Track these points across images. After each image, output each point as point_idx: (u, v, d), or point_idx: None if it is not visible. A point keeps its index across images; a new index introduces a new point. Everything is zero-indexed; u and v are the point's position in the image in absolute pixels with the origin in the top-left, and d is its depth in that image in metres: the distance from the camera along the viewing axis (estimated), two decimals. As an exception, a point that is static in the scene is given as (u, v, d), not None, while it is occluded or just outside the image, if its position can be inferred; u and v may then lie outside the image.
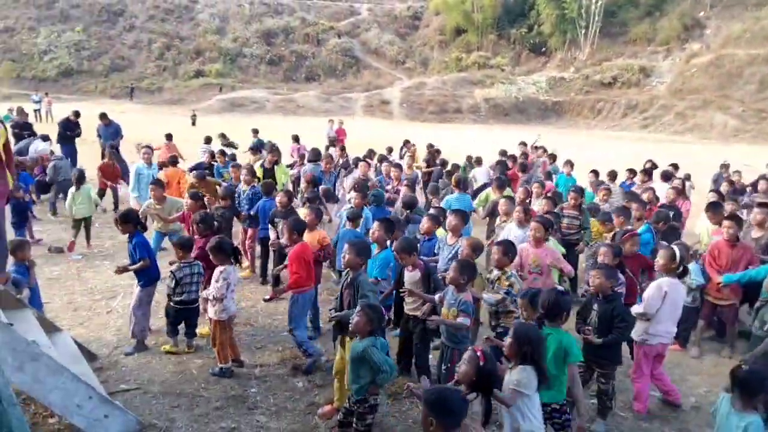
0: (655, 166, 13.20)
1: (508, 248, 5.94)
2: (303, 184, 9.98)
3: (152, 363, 6.31)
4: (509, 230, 7.63)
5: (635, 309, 5.59)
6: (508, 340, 4.19)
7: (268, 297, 7.34)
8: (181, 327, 6.69)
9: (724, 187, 11.34)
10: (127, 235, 6.82)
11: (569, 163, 13.13)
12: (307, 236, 6.78)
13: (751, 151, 31.74)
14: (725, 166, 14.56)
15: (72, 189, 10.25)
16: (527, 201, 9.09)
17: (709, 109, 44.81)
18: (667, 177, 11.88)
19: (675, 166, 13.33)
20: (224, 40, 59.92)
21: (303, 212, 7.44)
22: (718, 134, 41.44)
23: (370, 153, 14.52)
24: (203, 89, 52.31)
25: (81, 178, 10.33)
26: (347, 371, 4.77)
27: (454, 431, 3.09)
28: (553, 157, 15.43)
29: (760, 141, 39.15)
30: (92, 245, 10.49)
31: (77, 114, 16.10)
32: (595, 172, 12.48)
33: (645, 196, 9.79)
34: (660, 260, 5.71)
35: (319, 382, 5.98)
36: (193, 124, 33.38)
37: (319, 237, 7.13)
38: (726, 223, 7.02)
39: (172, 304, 6.53)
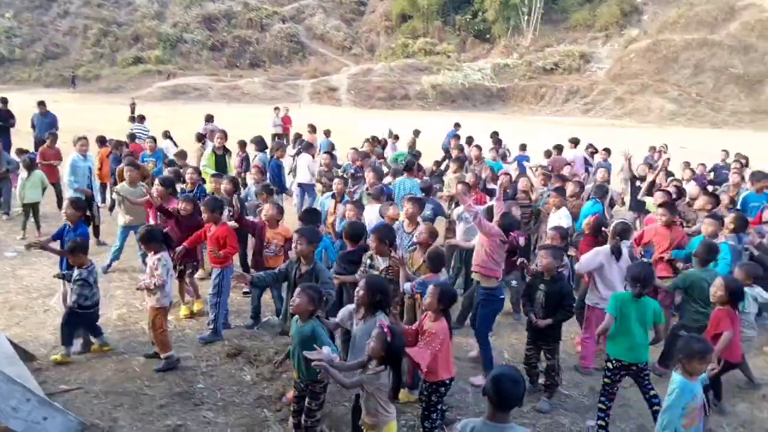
0: (595, 150, 13.66)
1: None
2: (253, 174, 9.74)
3: (93, 362, 6.10)
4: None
5: (577, 267, 6.34)
6: (359, 291, 4.46)
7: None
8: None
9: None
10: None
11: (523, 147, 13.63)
12: (270, 233, 6.72)
13: (687, 133, 33.06)
14: (653, 149, 15.23)
15: (23, 175, 10.42)
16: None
17: (647, 93, 46.39)
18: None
19: (608, 151, 13.87)
20: (163, 26, 58.00)
21: (266, 207, 7.41)
22: (656, 118, 42.98)
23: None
24: (142, 76, 50.59)
25: (32, 164, 10.50)
26: (293, 356, 4.63)
27: None
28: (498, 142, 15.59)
29: (695, 124, 40.88)
30: (41, 233, 10.09)
31: (4, 101, 15.35)
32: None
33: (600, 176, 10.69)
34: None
35: (267, 375, 5.91)
36: (132, 112, 32.23)
37: (282, 231, 7.09)
38: (659, 210, 7.40)
39: (79, 310, 6.04)
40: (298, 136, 15.29)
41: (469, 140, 14.99)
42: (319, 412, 4.66)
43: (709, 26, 48.73)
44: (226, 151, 11.60)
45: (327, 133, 16.28)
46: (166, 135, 14.44)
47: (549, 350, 5.64)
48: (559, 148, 13.28)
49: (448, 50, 58.18)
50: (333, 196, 8.63)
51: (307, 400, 4.61)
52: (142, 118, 15.81)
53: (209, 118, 16.76)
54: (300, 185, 11.65)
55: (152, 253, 6.05)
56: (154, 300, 5.95)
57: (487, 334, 6.14)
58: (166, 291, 5.97)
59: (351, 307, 4.74)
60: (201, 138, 13.38)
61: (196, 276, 7.86)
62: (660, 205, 7.52)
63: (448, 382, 4.71)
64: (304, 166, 11.61)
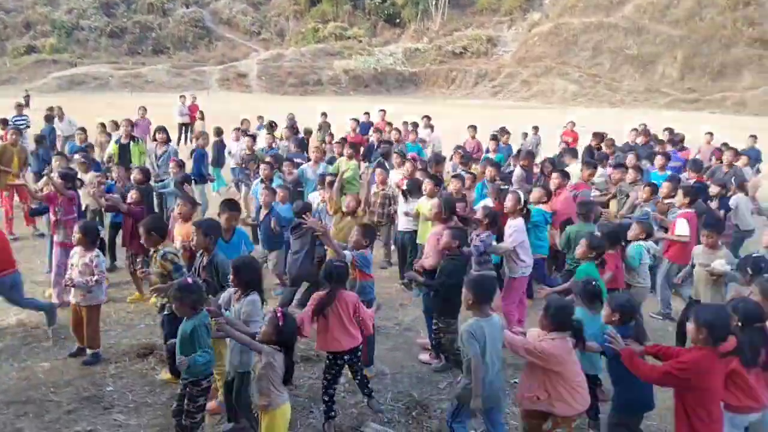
0: (507, 132, 14.28)
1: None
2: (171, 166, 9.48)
3: (-10, 372, 5.75)
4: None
5: (503, 246, 6.74)
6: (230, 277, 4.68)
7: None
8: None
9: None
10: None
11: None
12: (181, 228, 6.51)
13: (588, 113, 34.73)
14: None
15: None
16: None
17: (551, 75, 48.29)
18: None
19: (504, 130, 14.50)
20: (57, 12, 54.33)
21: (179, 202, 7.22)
22: (559, 99, 44.87)
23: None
24: (36, 66, 47.26)
25: None
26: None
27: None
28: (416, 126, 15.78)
29: (595, 103, 42.99)
30: None
31: None
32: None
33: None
34: (508, 203, 6.86)
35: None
36: (27, 105, 30.19)
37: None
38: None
39: None
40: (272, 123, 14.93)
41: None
42: (199, 414, 4.51)
43: (605, 9, 51.18)
44: (133, 139, 11.69)
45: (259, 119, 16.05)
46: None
47: (441, 329, 5.82)
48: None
49: (359, 35, 58.05)
50: (262, 181, 8.83)
51: (185, 401, 4.47)
52: (20, 107, 15.07)
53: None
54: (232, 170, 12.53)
55: (84, 248, 5.93)
56: (88, 298, 5.89)
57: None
58: (103, 288, 6.04)
59: (232, 289, 4.79)
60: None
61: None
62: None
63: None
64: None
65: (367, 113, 17.62)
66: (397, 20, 60.55)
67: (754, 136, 13.96)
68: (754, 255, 5.68)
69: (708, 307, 4.41)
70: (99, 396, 5.40)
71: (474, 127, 14.28)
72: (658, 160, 10.48)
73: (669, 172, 10.09)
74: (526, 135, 16.28)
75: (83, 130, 12.27)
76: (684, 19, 47.34)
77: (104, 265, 6.08)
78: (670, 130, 14.41)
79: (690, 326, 3.84)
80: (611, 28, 49.38)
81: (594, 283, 4.97)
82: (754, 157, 13.08)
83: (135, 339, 6.55)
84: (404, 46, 56.60)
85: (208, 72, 49.90)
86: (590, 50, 49.35)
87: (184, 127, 19.76)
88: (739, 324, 3.99)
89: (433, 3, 58.24)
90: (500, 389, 4.49)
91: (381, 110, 17.30)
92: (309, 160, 10.90)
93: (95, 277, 5.82)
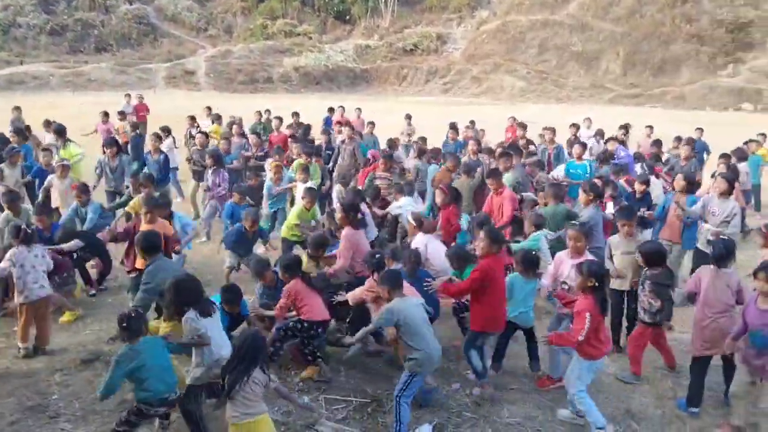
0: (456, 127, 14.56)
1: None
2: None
3: (-75, 385, 5.50)
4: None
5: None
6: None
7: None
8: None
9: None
10: None
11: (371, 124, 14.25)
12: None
13: (536, 109, 35.45)
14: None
15: None
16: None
17: (499, 72, 49.05)
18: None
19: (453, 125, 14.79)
20: (-8, 9, 52.19)
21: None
22: (508, 95, 45.63)
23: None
24: (-31, 65, 45.23)
25: None
26: None
27: None
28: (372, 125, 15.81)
29: (542, 99, 43.91)
30: None
31: None
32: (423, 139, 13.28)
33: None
34: (437, 198, 8.08)
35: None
36: (-40, 105, 28.87)
37: (159, 228, 6.55)
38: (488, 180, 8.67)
39: None
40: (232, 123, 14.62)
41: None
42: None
43: (551, 7, 52.30)
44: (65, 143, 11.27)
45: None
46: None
47: None
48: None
49: (308, 31, 57.60)
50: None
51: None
52: None
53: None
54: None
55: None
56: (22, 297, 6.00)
57: None
58: (25, 287, 5.99)
59: None
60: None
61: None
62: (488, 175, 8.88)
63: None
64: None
65: (331, 109, 17.57)
66: (347, 17, 60.37)
67: (700, 129, 14.32)
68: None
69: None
70: (44, 405, 5.23)
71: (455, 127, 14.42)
72: (576, 149, 10.73)
73: (587, 161, 10.59)
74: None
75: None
76: (625, 16, 48.81)
77: (7, 263, 6.02)
78: (626, 128, 13.89)
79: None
80: (557, 25, 50.50)
81: (534, 252, 6.08)
82: (701, 150, 13.57)
83: (81, 345, 6.36)
84: (355, 42, 56.48)
85: (154, 70, 48.68)
86: (537, 47, 50.36)
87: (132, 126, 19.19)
88: (595, 282, 4.90)
89: (382, 0, 58.32)
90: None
91: (341, 107, 17.32)
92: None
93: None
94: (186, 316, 4.55)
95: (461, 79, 50.01)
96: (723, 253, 5.39)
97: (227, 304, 5.87)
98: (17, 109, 15.86)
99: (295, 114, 15.74)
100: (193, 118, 14.27)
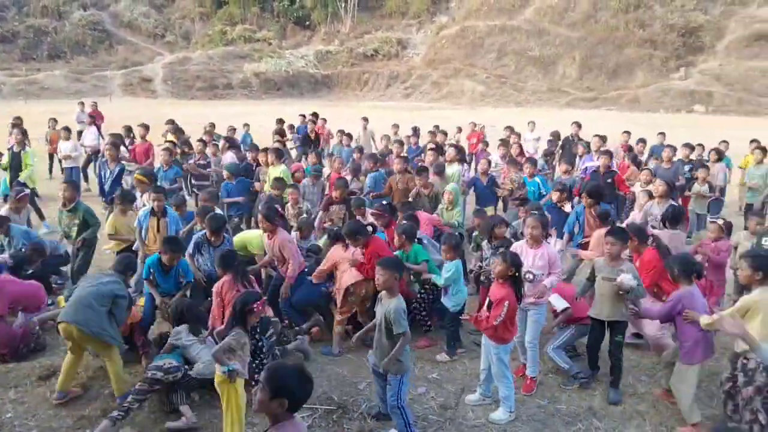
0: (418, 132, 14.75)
1: None
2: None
3: None
4: None
5: None
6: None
7: None
8: None
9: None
10: None
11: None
12: None
13: (495, 113, 35.91)
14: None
15: None
16: None
17: (459, 77, 49.57)
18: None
19: (415, 129, 15.29)
20: (-62, 14, 50.43)
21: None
22: (468, 99, 46.14)
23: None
24: None
25: None
26: None
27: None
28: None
29: (502, 104, 44.52)
30: None
31: None
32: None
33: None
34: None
35: (85, 395, 5.50)
36: None
37: None
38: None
39: None
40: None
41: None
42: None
43: (508, 12, 53.16)
44: (24, 147, 11.42)
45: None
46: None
47: None
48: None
49: (268, 37, 57.28)
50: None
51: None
52: None
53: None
54: None
55: None
56: None
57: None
58: None
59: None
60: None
61: None
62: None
63: None
64: None
65: (302, 115, 17.34)
66: (307, 23, 60.22)
67: (662, 134, 14.47)
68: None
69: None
70: (-3, 425, 5.05)
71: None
72: (527, 168, 10.38)
73: (538, 178, 10.24)
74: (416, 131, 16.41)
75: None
76: (581, 21, 49.95)
77: None
78: (601, 138, 12.86)
79: None
80: (514, 30, 51.33)
81: (458, 234, 7.21)
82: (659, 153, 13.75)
83: (36, 361, 6.15)
84: (315, 48, 56.38)
85: (110, 77, 47.69)
86: (496, 52, 51.08)
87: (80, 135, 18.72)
88: (515, 272, 5.11)
89: (343, 6, 58.35)
90: None
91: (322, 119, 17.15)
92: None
93: None
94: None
95: (422, 84, 50.36)
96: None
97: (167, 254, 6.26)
98: None
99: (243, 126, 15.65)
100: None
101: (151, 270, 6.43)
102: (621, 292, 5.39)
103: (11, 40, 51.24)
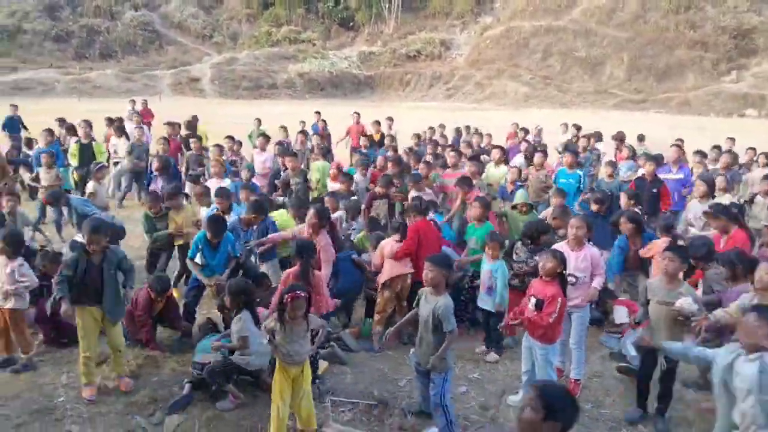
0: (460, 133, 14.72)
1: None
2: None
3: (-69, 388, 5.51)
4: None
5: None
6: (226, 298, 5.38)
7: None
8: None
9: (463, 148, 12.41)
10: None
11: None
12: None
13: (540, 114, 35.43)
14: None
15: None
16: None
17: (503, 77, 49.12)
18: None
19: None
20: (-2, 15, 52.64)
21: None
22: (512, 100, 45.66)
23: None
24: (-24, 71, 45.55)
25: None
26: None
27: None
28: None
29: (547, 105, 43.92)
30: None
31: None
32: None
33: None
34: None
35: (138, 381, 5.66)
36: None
37: None
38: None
39: None
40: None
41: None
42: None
43: (554, 13, 52.41)
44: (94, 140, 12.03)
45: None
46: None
47: None
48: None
49: (313, 38, 57.91)
50: None
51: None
52: None
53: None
54: None
55: (7, 258, 5.74)
56: (12, 302, 5.75)
57: None
58: (26, 294, 5.88)
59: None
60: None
61: None
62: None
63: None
64: None
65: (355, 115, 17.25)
66: (351, 24, 60.62)
67: (732, 139, 13.61)
68: None
69: None
70: (50, 408, 5.22)
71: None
72: (567, 157, 10.16)
73: (579, 171, 9.98)
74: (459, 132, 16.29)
75: (50, 131, 12.25)
76: (629, 22, 48.88)
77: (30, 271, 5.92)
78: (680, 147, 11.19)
79: None
80: (560, 31, 50.58)
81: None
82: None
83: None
84: (359, 49, 56.71)
85: (160, 76, 48.95)
86: (541, 53, 50.44)
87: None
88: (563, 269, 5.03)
89: (386, 7, 58.51)
90: None
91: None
92: None
93: (26, 283, 5.77)
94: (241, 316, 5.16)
95: (465, 85, 50.09)
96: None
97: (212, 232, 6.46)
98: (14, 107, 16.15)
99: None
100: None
101: (199, 246, 6.57)
102: (680, 318, 4.81)
103: (65, 39, 53.15)
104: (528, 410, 2.59)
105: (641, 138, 14.26)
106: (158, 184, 9.73)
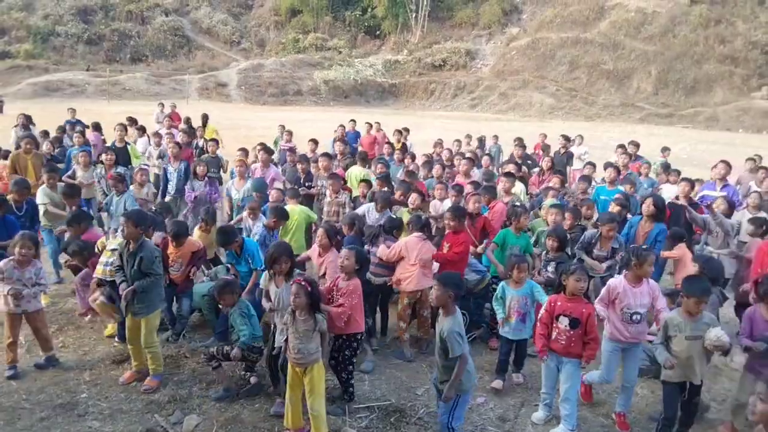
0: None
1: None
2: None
3: (-41, 380, 5.64)
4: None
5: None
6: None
7: None
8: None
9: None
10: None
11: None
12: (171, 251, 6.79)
13: (565, 126, 35.19)
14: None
15: None
16: None
17: (528, 88, 48.89)
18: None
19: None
20: (33, 18, 53.84)
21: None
22: (537, 112, 45.41)
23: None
24: (11, 72, 46.60)
25: None
26: None
27: None
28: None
29: (572, 117, 43.61)
30: None
31: None
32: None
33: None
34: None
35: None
36: (0, 111, 29.86)
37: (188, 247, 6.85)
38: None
39: None
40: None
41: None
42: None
43: (582, 25, 52.11)
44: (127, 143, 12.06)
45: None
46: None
47: None
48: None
49: (339, 46, 58.30)
50: None
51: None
52: None
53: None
54: None
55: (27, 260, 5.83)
56: (36, 303, 5.91)
57: None
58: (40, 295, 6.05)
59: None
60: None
61: None
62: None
63: (359, 336, 5.50)
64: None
65: (353, 120, 17.02)
66: (377, 32, 60.92)
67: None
68: None
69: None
70: (73, 403, 5.32)
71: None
72: (609, 173, 9.72)
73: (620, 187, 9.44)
74: (482, 141, 16.16)
75: (81, 132, 12.45)
76: (658, 35, 48.39)
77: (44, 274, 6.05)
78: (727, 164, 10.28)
79: None
80: (587, 43, 50.25)
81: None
82: None
83: (110, 346, 6.47)
84: (384, 57, 56.91)
85: (188, 80, 49.65)
86: (567, 65, 50.13)
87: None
88: None
89: (413, 16, 58.73)
90: None
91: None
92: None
93: (41, 287, 5.93)
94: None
95: (489, 95, 49.96)
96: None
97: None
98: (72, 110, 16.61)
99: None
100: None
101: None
102: (712, 349, 4.66)
103: (97, 42, 54.27)
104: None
105: (665, 149, 14.07)
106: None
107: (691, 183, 9.17)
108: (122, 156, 11.44)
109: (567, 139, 14.17)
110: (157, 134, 13.38)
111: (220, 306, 5.90)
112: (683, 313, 4.80)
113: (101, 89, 45.10)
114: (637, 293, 5.21)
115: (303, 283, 4.63)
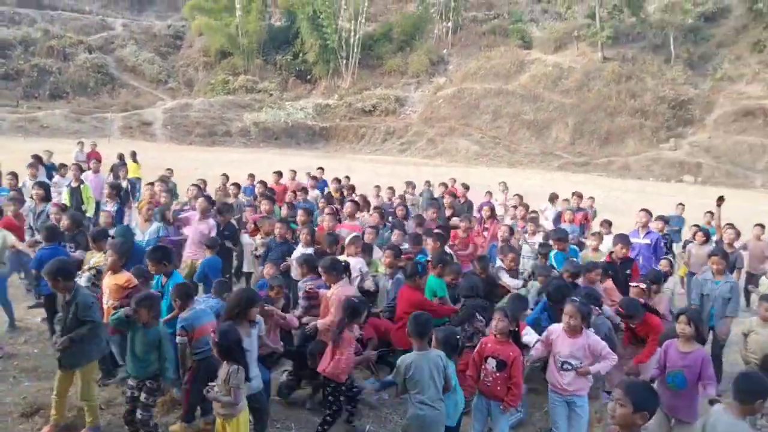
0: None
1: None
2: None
3: None
4: None
5: None
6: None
7: None
8: None
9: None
10: None
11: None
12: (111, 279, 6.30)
13: (488, 172, 36.45)
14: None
15: None
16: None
17: (454, 135, 50.49)
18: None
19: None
20: (-56, 50, 51.27)
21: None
22: (463, 158, 46.86)
23: None
24: None
25: None
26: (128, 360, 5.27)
27: None
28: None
29: (495, 164, 45.25)
30: None
31: None
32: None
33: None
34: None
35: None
36: None
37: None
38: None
39: None
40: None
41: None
42: (153, 409, 5.26)
43: (504, 77, 54.66)
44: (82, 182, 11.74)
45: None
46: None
47: None
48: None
49: (270, 88, 58.41)
50: None
51: (142, 395, 5.09)
52: None
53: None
54: None
55: None
56: None
57: None
58: None
59: None
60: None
61: None
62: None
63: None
64: None
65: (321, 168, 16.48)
66: (308, 77, 61.57)
67: (681, 205, 13.65)
68: None
69: None
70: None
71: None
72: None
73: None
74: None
75: (14, 174, 11.52)
76: (574, 89, 51.36)
77: None
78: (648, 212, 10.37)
79: None
80: (509, 94, 52.65)
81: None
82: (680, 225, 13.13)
83: (20, 397, 6.06)
84: (315, 101, 57.43)
85: (110, 119, 48.21)
86: (491, 114, 52.23)
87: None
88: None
89: (344, 63, 59.85)
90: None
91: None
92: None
93: None
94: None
95: (418, 140, 51.21)
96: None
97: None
98: None
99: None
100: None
101: None
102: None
103: (14, 77, 52.06)
104: (618, 407, 3.23)
105: (580, 195, 14.50)
106: None
107: (627, 241, 8.77)
108: (77, 197, 11.29)
109: (466, 187, 14.66)
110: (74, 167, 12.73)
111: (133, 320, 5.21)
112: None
113: (17, 126, 43.06)
114: (571, 343, 5.28)
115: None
